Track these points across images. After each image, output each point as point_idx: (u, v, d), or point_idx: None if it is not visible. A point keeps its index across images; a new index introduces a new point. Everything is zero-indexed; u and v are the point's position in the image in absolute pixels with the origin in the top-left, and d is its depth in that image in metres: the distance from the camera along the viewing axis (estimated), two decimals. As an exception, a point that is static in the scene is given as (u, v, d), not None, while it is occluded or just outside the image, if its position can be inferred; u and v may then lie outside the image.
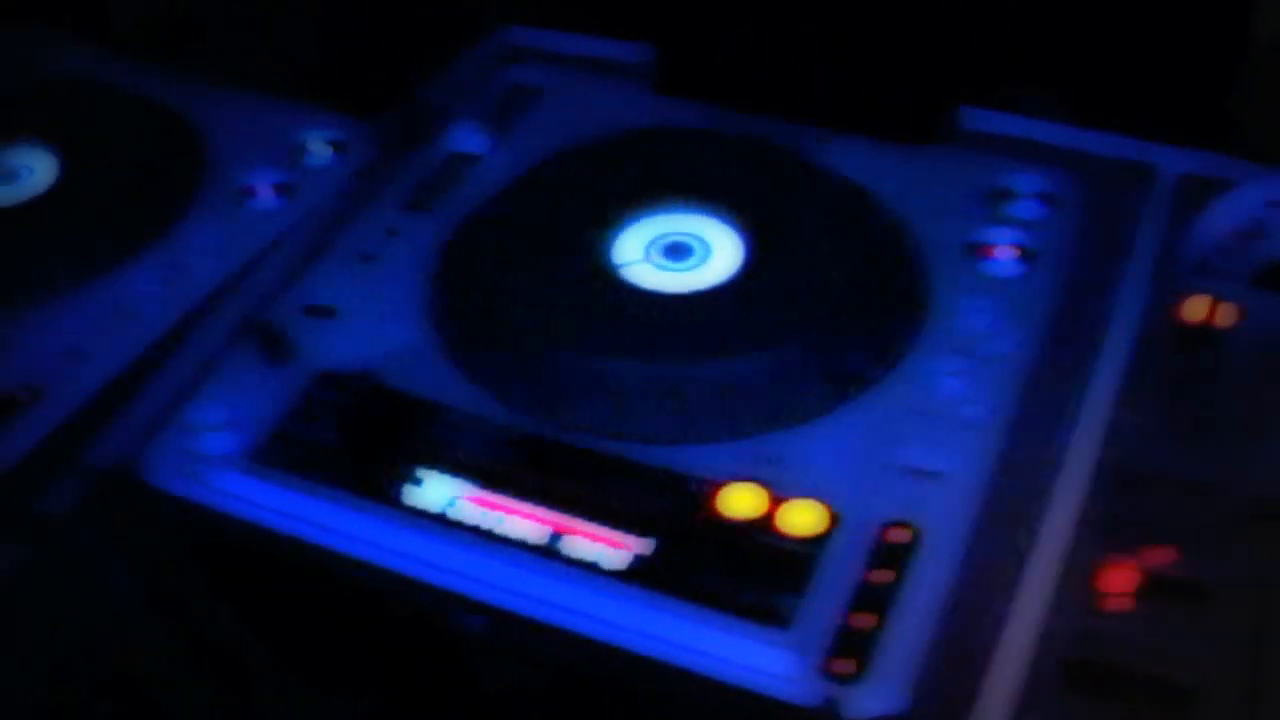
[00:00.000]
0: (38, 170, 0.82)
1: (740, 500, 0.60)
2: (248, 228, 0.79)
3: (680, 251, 0.70)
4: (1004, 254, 0.71)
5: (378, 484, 0.62)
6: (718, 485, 0.61)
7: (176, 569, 0.61)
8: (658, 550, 0.59)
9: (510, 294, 0.67)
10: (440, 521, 0.61)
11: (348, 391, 0.65)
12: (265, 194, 0.81)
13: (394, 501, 0.61)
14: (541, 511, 0.60)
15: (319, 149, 0.84)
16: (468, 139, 0.78)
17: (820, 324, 0.65)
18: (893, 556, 0.58)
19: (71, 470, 0.63)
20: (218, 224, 0.80)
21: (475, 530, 0.60)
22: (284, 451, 0.63)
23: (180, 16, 0.98)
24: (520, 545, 0.59)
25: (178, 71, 0.91)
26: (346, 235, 0.74)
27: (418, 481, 0.62)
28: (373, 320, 0.69)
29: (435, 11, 0.88)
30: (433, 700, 0.62)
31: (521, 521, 0.60)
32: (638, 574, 0.58)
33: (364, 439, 0.63)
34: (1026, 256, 0.71)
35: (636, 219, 0.71)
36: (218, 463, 0.63)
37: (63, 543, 0.60)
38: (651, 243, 0.70)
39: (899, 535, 0.59)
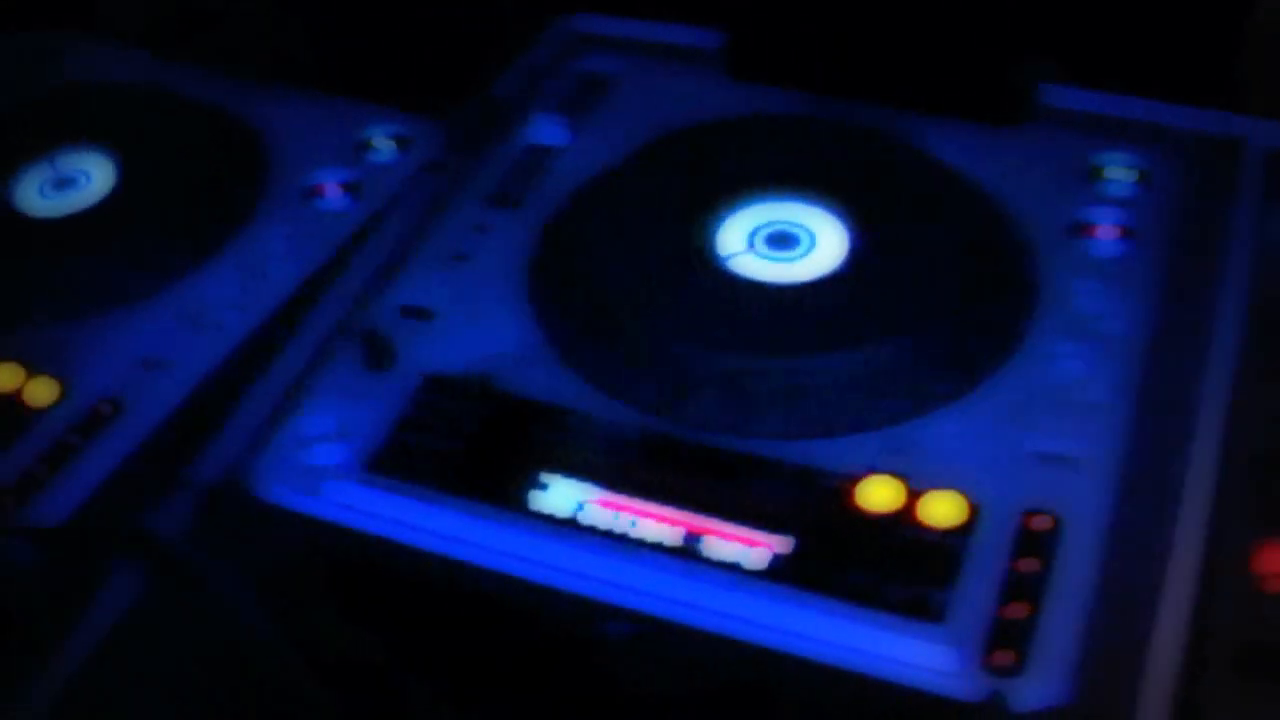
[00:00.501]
0: (95, 176, 0.80)
1: (878, 493, 0.59)
2: (318, 228, 0.78)
3: (785, 241, 0.68)
4: (1106, 233, 0.71)
5: (501, 490, 0.60)
6: (853, 479, 0.60)
7: (296, 584, 0.60)
8: (798, 548, 0.58)
9: (620, 290, 0.65)
10: (571, 526, 0.59)
11: (459, 396, 0.63)
12: (333, 193, 0.80)
13: (520, 508, 0.60)
14: (675, 513, 0.59)
15: (384, 146, 0.82)
16: (547, 131, 0.77)
17: (940, 310, 0.64)
18: (1037, 545, 0.58)
19: (177, 487, 0.61)
20: (287, 225, 0.78)
21: (608, 534, 0.59)
22: (400, 460, 0.61)
23: (205, 11, 0.95)
24: (657, 548, 0.58)
25: (217, 70, 0.89)
26: (433, 234, 0.72)
27: (542, 486, 0.60)
28: (473, 321, 0.67)
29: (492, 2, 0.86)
30: (567, 708, 0.61)
31: (656, 524, 0.59)
32: (780, 572, 0.57)
33: (482, 444, 0.62)
34: (1127, 235, 0.71)
35: (736, 209, 0.70)
36: (332, 474, 0.61)
37: (185, 561, 0.58)
38: (754, 233, 0.69)
39: (1041, 523, 0.59)
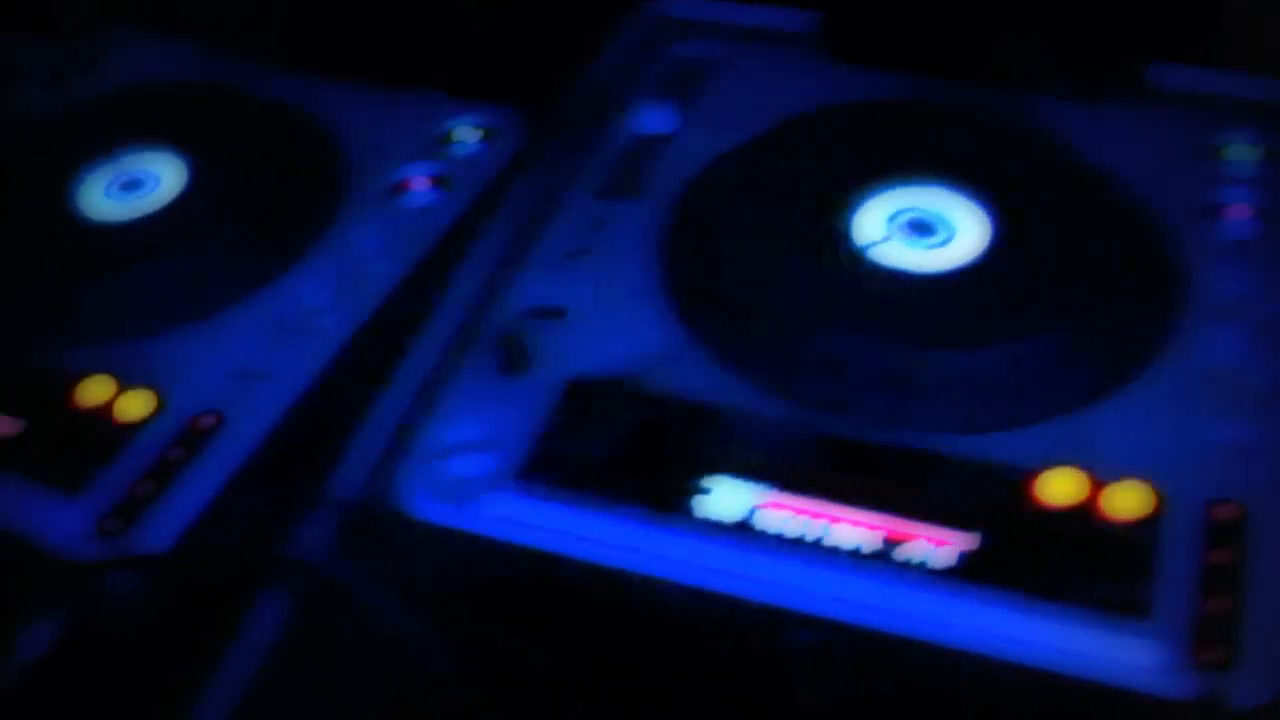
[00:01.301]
0: (164, 178, 0.76)
1: (1060, 486, 0.58)
2: (409, 224, 0.75)
3: (924, 229, 0.67)
4: (1237, 213, 0.70)
5: (663, 496, 0.58)
6: (1033, 472, 0.58)
7: (449, 600, 0.57)
8: (984, 544, 0.56)
9: (768, 282, 0.63)
10: (742, 532, 0.57)
11: (607, 399, 0.61)
12: (420, 187, 0.77)
13: (685, 513, 0.57)
14: (852, 513, 0.57)
15: (468, 138, 0.79)
16: (653, 119, 0.75)
17: (1095, 298, 0.63)
18: (1227, 535, 0.57)
19: (315, 504, 0.58)
20: (375, 223, 0.75)
21: (782, 539, 0.57)
22: (553, 468, 0.59)
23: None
24: (836, 550, 0.56)
25: (275, 65, 0.85)
26: (549, 230, 0.69)
27: (706, 490, 0.58)
28: (609, 319, 0.65)
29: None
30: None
31: (834, 525, 0.57)
32: (969, 571, 0.56)
33: (637, 448, 0.59)
34: (1258, 215, 0.70)
35: (871, 195, 0.68)
36: (483, 486, 0.58)
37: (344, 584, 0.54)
38: (891, 220, 0.67)
39: (1227, 512, 0.57)
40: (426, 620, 0.55)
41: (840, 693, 0.57)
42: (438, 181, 0.77)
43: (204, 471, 0.64)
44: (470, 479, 0.59)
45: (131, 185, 0.76)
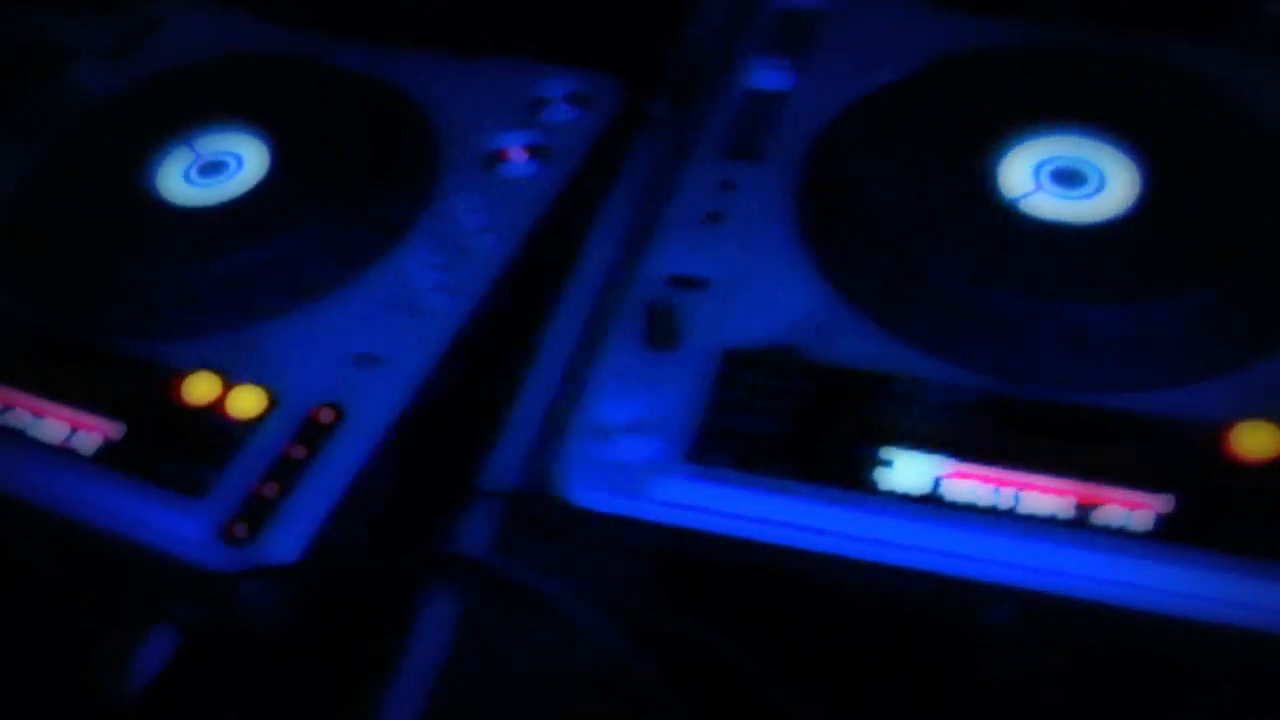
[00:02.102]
0: (246, 158, 0.72)
1: (1255, 440, 0.56)
2: (511, 195, 0.72)
3: (1072, 178, 0.64)
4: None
5: (842, 470, 0.55)
6: (1223, 427, 0.56)
7: (623, 589, 0.54)
8: (1180, 505, 0.54)
9: (922, 240, 0.61)
10: (930, 504, 0.54)
11: (769, 371, 0.58)
12: (518, 157, 0.73)
13: (868, 488, 0.55)
14: (1041, 479, 0.55)
15: (561, 105, 0.76)
16: (768, 76, 0.71)
17: (1254, 246, 0.60)
18: None
19: (472, 497, 0.55)
20: (475, 196, 0.72)
21: (972, 509, 0.54)
22: (724, 447, 0.56)
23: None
24: (1030, 519, 0.54)
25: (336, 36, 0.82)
26: (677, 196, 0.66)
27: (887, 463, 0.55)
28: (756, 286, 0.62)
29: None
30: (937, 698, 0.56)
31: (1023, 493, 0.54)
32: (1168, 533, 0.53)
33: (808, 421, 0.56)
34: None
35: (1014, 144, 0.65)
36: (651, 470, 0.56)
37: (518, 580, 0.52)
38: (1037, 170, 0.64)
39: None
40: (603, 611, 0.52)
41: (1039, 667, 0.55)
42: (535, 152, 0.73)
43: (329, 468, 0.61)
44: (636, 463, 0.56)
45: (213, 167, 0.73)
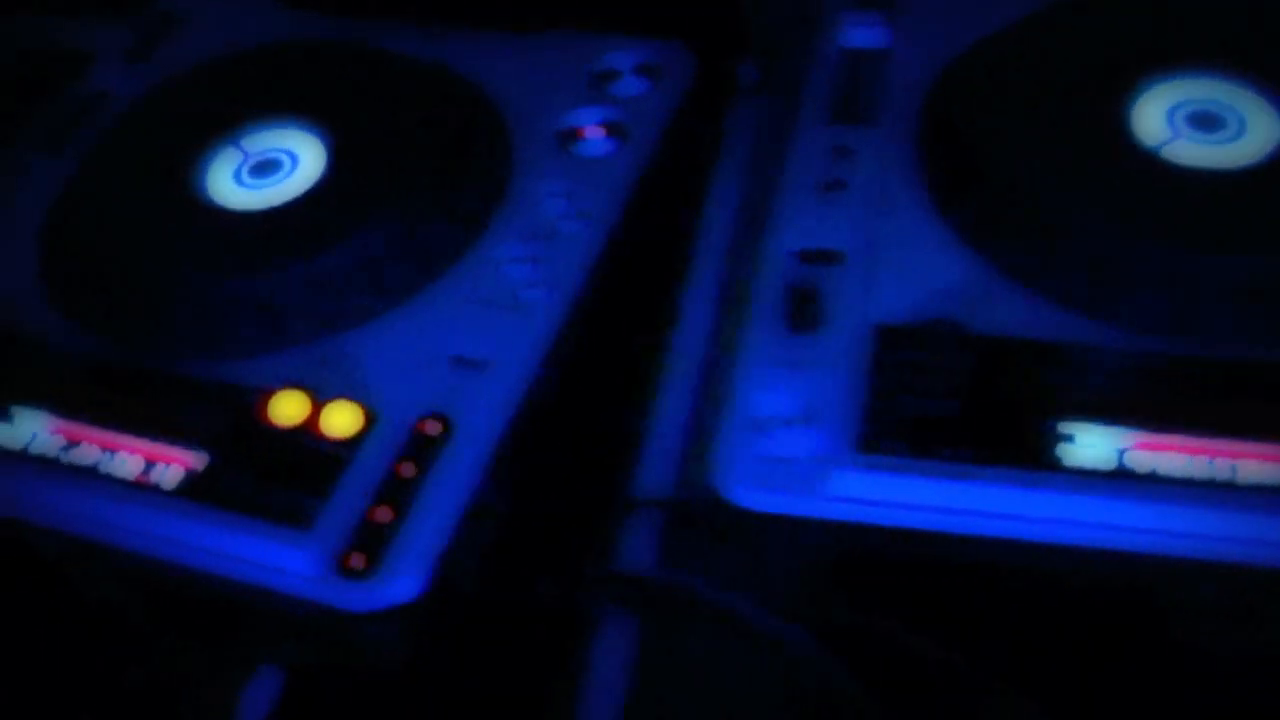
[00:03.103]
0: (302, 155, 0.67)
1: None
2: (592, 176, 0.67)
3: (1209, 122, 0.60)
4: None
5: (1025, 450, 0.51)
6: None
7: (807, 596, 0.50)
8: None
9: (1069, 198, 0.57)
10: (1120, 479, 0.50)
11: (927, 347, 0.54)
12: (594, 135, 0.68)
13: (1053, 465, 0.51)
14: (1240, 445, 0.51)
15: (630, 77, 0.71)
16: (864, 33, 0.67)
17: None
18: None
19: (629, 508, 0.50)
20: (555, 180, 0.67)
21: (1168, 481, 0.50)
22: (893, 433, 0.52)
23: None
24: (1232, 487, 0.50)
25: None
26: (790, 166, 0.61)
27: (1068, 437, 0.51)
28: (895, 257, 0.58)
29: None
30: (1137, 681, 0.52)
31: (1217, 460, 0.51)
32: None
33: (978, 399, 0.52)
34: None
35: (1147, 89, 0.61)
36: (821, 465, 0.51)
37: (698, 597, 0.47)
38: (1170, 115, 0.60)
39: None
40: (789, 618, 0.48)
41: (1250, 648, 0.51)
42: (611, 129, 0.68)
43: (444, 486, 0.56)
44: (802, 458, 0.51)
45: (265, 166, 0.67)
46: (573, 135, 0.69)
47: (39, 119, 0.74)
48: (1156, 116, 0.60)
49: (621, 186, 0.66)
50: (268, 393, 0.59)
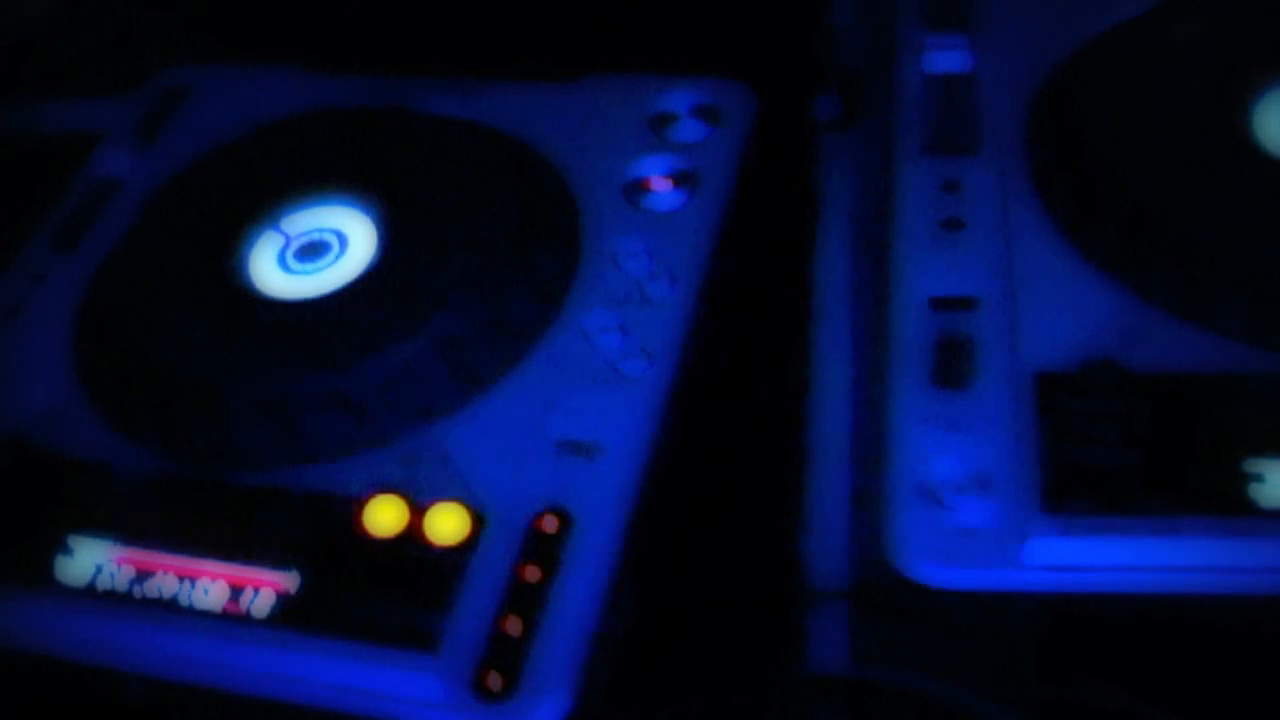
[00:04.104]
0: (351, 234, 0.62)
1: None
2: (667, 232, 0.62)
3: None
4: None
5: (1217, 495, 0.48)
6: None
7: (1014, 673, 0.46)
8: None
9: (1217, 219, 0.53)
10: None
11: (1095, 391, 0.50)
12: (661, 187, 0.64)
13: (1250, 510, 0.47)
14: None
15: (688, 120, 0.67)
16: (947, 58, 0.63)
17: None
18: None
19: (806, 600, 0.46)
20: (628, 239, 0.62)
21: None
22: (1079, 492, 0.48)
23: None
24: None
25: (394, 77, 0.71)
26: (900, 208, 0.57)
27: (1258, 477, 0.48)
28: (1031, 295, 0.54)
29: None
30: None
31: None
32: None
33: (1161, 444, 0.49)
34: None
35: (1266, 93, 0.58)
36: (1009, 531, 0.47)
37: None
38: (1293, 119, 0.57)
39: None
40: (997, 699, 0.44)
41: None
42: (680, 179, 0.64)
43: (575, 587, 0.52)
44: (986, 527, 0.47)
45: (312, 250, 0.62)
46: (639, 188, 0.64)
47: (48, 213, 0.68)
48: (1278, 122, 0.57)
49: (703, 240, 0.62)
50: (359, 501, 0.54)
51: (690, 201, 0.63)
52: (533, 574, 0.52)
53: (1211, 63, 0.58)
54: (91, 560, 0.55)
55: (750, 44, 0.67)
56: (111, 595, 0.54)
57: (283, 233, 0.63)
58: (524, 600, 0.51)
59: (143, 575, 0.54)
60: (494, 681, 0.49)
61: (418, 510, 0.54)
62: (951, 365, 0.51)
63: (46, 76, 0.85)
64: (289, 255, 0.62)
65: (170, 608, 0.54)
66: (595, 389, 0.57)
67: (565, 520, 0.53)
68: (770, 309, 0.59)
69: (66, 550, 0.56)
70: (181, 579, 0.54)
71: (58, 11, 0.91)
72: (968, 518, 0.48)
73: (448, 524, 0.53)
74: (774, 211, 0.63)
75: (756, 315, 0.59)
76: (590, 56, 0.70)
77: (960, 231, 0.56)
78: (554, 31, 0.73)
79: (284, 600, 0.53)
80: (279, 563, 0.54)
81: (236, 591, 0.53)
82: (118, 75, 0.82)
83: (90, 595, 0.54)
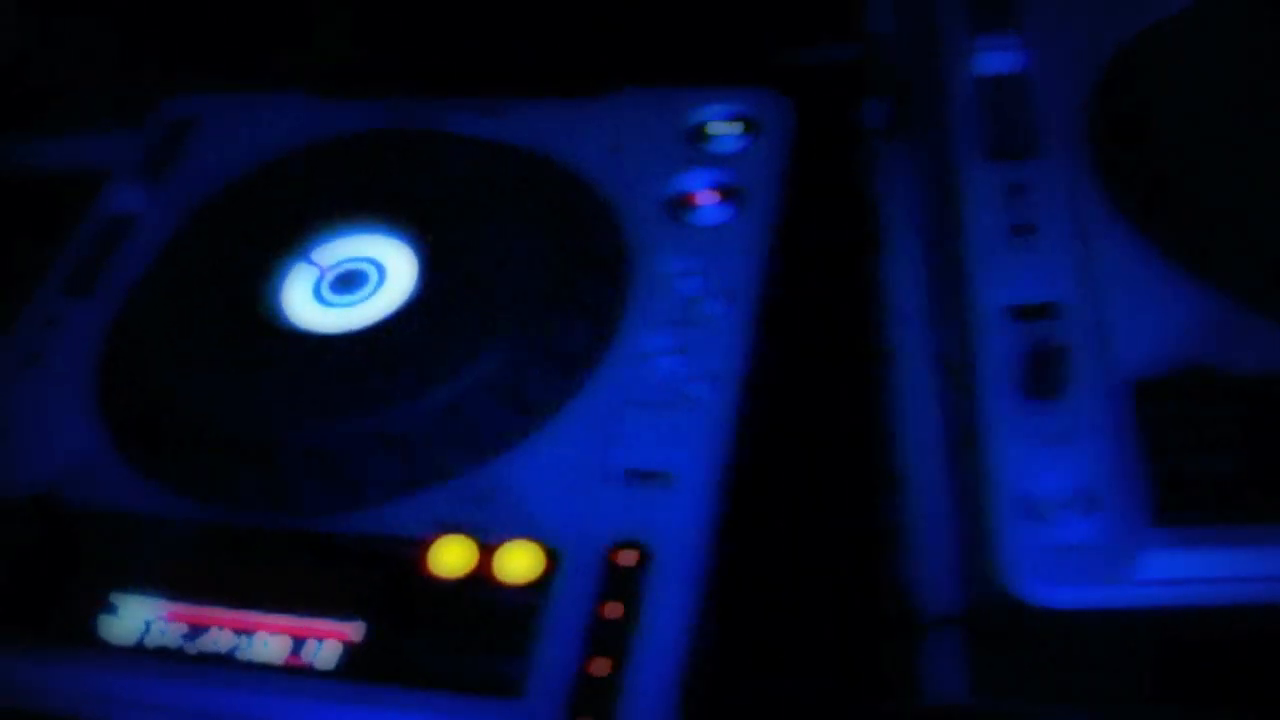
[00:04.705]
0: (388, 263, 0.60)
1: None
2: (716, 248, 0.60)
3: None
4: None
5: (1329, 498, 0.46)
6: None
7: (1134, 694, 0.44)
8: None
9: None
10: None
11: (1193, 398, 0.48)
12: (708, 201, 0.62)
13: (1363, 512, 0.46)
14: None
15: (725, 133, 0.65)
16: (1000, 59, 0.61)
17: None
18: None
19: (917, 628, 0.44)
20: (678, 257, 0.60)
21: None
22: (1189, 502, 0.47)
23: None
24: None
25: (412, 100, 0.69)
26: (967, 214, 0.56)
27: (1369, 478, 0.47)
28: (1118, 299, 0.52)
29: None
30: None
31: None
32: None
33: (1267, 449, 0.47)
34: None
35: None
36: (1120, 547, 0.46)
37: None
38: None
39: None
40: None
41: None
42: (725, 193, 0.62)
43: (659, 624, 0.49)
44: (1095, 542, 0.46)
45: (348, 281, 0.59)
46: (683, 204, 0.62)
47: (52, 253, 0.65)
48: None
49: (755, 254, 0.60)
50: (423, 542, 0.52)
51: (738, 215, 0.62)
52: (614, 611, 0.50)
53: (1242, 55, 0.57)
54: (139, 617, 0.53)
55: (785, 54, 0.66)
56: (163, 653, 0.52)
57: (315, 264, 0.61)
58: (608, 639, 0.49)
59: (195, 630, 0.52)
60: (587, 727, 0.47)
61: (486, 549, 0.52)
62: (1043, 376, 0.49)
63: (16, 110, 0.82)
64: (324, 287, 0.60)
65: (227, 663, 0.51)
66: (659, 415, 0.55)
67: (643, 553, 0.51)
68: (835, 323, 0.58)
69: (109, 609, 0.53)
70: (238, 632, 0.52)
71: (20, 45, 0.88)
72: (1075, 534, 0.46)
73: (520, 562, 0.51)
74: (826, 222, 0.61)
75: (820, 331, 0.58)
76: (608, 69, 0.68)
77: (1032, 236, 0.55)
78: (566, 43, 0.71)
79: (350, 650, 0.50)
80: (342, 611, 0.51)
81: (299, 643, 0.51)
82: (91, 108, 0.79)
83: (139, 653, 0.52)
